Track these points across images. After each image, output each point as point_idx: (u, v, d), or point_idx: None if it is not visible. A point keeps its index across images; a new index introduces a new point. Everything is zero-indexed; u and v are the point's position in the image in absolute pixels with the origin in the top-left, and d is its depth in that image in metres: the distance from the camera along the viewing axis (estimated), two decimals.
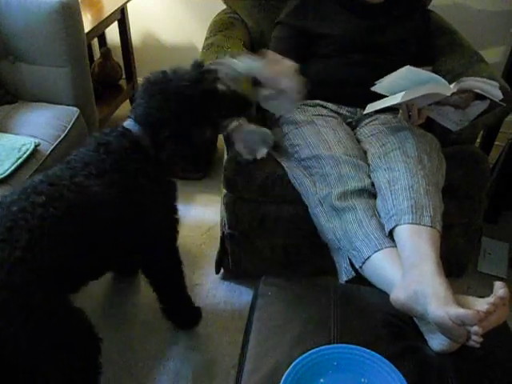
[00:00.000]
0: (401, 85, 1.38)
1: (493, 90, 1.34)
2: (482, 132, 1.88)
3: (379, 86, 1.42)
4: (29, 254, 0.98)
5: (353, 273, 1.25)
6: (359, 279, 1.25)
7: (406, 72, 1.35)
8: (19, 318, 0.96)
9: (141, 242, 1.32)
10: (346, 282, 1.28)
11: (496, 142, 2.16)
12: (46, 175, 1.15)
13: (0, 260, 0.96)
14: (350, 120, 1.59)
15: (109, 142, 1.22)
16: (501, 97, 1.35)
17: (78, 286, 1.20)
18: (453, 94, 1.34)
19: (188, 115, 1.22)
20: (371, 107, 1.47)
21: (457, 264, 1.69)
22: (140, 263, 1.49)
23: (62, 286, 1.07)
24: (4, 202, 1.06)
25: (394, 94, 1.40)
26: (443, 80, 1.35)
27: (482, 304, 0.97)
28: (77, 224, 1.08)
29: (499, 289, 0.98)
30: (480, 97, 1.37)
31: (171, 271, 1.47)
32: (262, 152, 1.42)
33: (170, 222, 1.38)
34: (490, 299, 0.97)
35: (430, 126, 1.51)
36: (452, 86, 1.34)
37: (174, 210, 1.38)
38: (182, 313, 1.59)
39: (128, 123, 1.27)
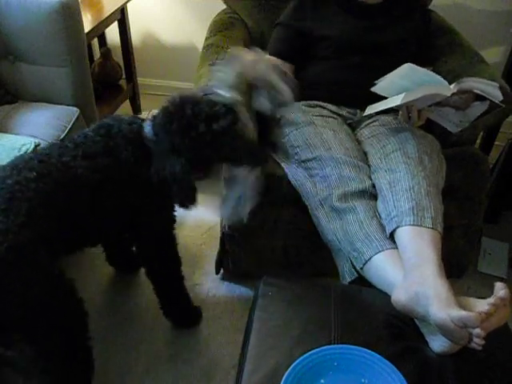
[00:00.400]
0: (400, 85, 1.38)
1: (493, 90, 1.34)
2: (482, 132, 1.88)
3: (379, 87, 1.42)
4: (30, 219, 1.06)
5: (355, 274, 1.25)
6: (360, 280, 1.25)
7: (407, 69, 1.35)
8: (29, 274, 1.04)
9: (128, 229, 1.35)
10: (348, 283, 1.28)
11: (496, 142, 2.16)
12: (36, 152, 1.20)
13: (6, 226, 1.02)
14: (350, 121, 1.59)
15: (112, 126, 1.25)
16: (501, 98, 1.35)
17: (72, 249, 1.26)
18: (453, 94, 1.34)
19: (197, 151, 1.20)
20: (371, 109, 1.47)
21: (457, 265, 1.69)
22: (140, 259, 1.50)
23: (57, 248, 1.15)
24: None
25: (394, 94, 1.40)
26: (443, 80, 1.35)
27: (482, 305, 0.97)
28: (62, 200, 1.14)
29: (500, 290, 0.97)
30: (480, 98, 1.37)
31: (169, 270, 1.48)
32: (250, 206, 1.29)
33: (162, 220, 1.38)
34: (491, 300, 0.96)
35: (430, 127, 1.51)
36: (452, 86, 1.34)
37: (167, 209, 1.38)
38: (182, 312, 1.59)
39: (146, 124, 1.27)
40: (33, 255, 1.05)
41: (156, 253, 1.43)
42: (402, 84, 1.37)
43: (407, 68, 1.35)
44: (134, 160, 1.22)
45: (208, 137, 1.17)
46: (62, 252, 1.20)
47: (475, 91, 1.35)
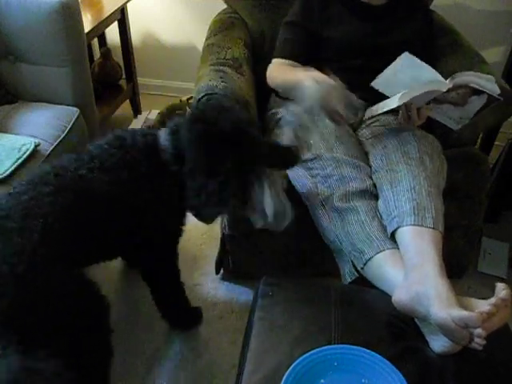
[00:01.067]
0: (399, 79, 1.38)
1: (489, 84, 1.34)
2: (481, 133, 1.88)
3: (378, 82, 1.41)
4: (46, 237, 1.05)
5: (356, 274, 1.25)
6: (361, 280, 1.25)
7: (404, 60, 1.35)
8: (47, 292, 1.04)
9: (137, 241, 1.32)
10: (349, 283, 1.28)
11: (496, 143, 2.16)
12: (52, 165, 1.18)
13: (21, 245, 1.02)
14: (351, 122, 1.59)
15: (125, 137, 1.23)
16: (498, 91, 1.34)
17: (88, 263, 1.25)
18: (449, 90, 1.33)
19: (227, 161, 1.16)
20: (370, 112, 1.46)
21: (457, 265, 1.69)
22: (139, 265, 1.48)
23: (74, 262, 1.13)
24: (13, 193, 1.11)
25: (392, 90, 1.39)
26: (439, 75, 1.35)
27: (484, 305, 0.97)
28: (79, 213, 1.13)
29: (501, 290, 0.97)
30: (477, 92, 1.37)
31: (166, 276, 1.46)
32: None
33: (172, 234, 1.37)
34: (492, 300, 0.96)
35: (430, 127, 1.51)
36: (447, 81, 1.34)
37: (179, 223, 1.36)
38: (181, 315, 1.58)
39: (160, 132, 1.25)
40: (50, 273, 1.04)
41: (159, 263, 1.41)
42: (401, 78, 1.37)
43: (404, 58, 1.35)
44: (150, 173, 1.20)
45: (248, 146, 1.15)
46: (80, 264, 1.19)
47: (471, 85, 1.34)
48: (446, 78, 1.37)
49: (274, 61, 1.64)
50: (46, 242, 1.04)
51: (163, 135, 1.24)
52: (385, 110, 1.40)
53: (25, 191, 1.10)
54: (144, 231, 1.28)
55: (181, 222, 1.36)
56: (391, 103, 1.37)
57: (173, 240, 1.40)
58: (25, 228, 1.04)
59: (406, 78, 1.37)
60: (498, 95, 1.34)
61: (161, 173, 1.22)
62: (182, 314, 1.58)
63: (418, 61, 1.35)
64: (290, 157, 1.29)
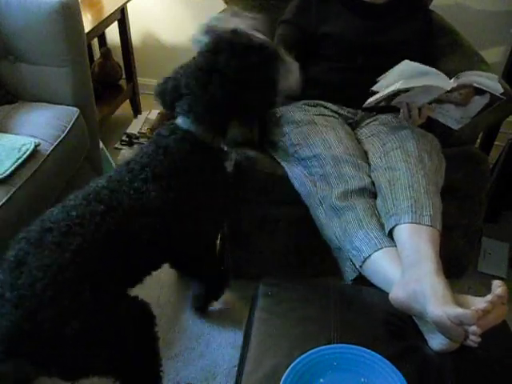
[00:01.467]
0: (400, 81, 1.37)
1: (492, 83, 1.33)
2: (481, 132, 1.88)
3: (379, 86, 1.41)
4: (77, 257, 1.02)
5: (356, 273, 1.25)
6: (362, 279, 1.25)
7: (404, 67, 1.35)
8: (65, 317, 1.00)
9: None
10: (350, 281, 1.28)
11: (496, 142, 2.16)
12: (108, 180, 1.16)
13: (49, 261, 1.00)
14: (350, 121, 1.59)
15: (168, 145, 1.20)
16: (501, 90, 1.33)
17: (133, 283, 1.22)
18: (452, 89, 1.33)
19: (255, 89, 1.16)
20: (372, 98, 1.44)
21: (457, 265, 1.69)
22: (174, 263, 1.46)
23: (111, 286, 1.09)
24: (66, 206, 1.10)
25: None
26: (442, 74, 1.34)
27: (480, 303, 0.97)
28: (130, 233, 1.10)
29: (497, 287, 0.97)
30: (479, 92, 1.36)
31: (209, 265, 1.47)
32: None
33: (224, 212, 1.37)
34: (488, 297, 0.96)
35: (430, 126, 1.51)
36: (451, 80, 1.34)
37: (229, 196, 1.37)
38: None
39: (183, 121, 1.22)
40: (74, 294, 1.01)
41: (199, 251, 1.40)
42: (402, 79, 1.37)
43: (404, 65, 1.34)
44: (202, 165, 1.19)
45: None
46: (128, 280, 1.18)
47: (474, 85, 1.34)
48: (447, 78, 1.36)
49: None
50: (76, 261, 1.02)
51: (185, 122, 1.20)
52: (386, 92, 1.36)
53: (76, 206, 1.08)
54: (197, 231, 1.27)
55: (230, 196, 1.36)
56: (393, 86, 1.34)
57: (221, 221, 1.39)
58: (61, 244, 1.02)
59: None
60: (501, 94, 1.34)
61: (209, 156, 1.20)
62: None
63: (421, 65, 1.35)
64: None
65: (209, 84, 1.15)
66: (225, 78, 1.15)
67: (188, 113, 1.20)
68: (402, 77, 1.36)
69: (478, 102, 1.38)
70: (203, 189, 1.22)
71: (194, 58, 1.22)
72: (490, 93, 1.34)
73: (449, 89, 1.32)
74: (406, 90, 1.34)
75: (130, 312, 1.12)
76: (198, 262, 1.43)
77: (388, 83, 1.39)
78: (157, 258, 1.25)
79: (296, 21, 1.66)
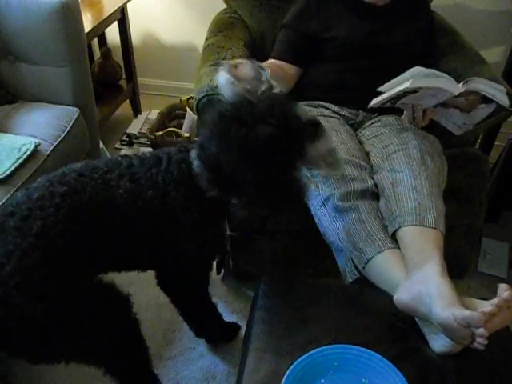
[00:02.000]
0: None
1: (499, 95, 1.33)
2: (482, 132, 1.88)
3: (386, 86, 1.40)
4: (40, 240, 1.00)
5: (357, 274, 1.25)
6: (362, 280, 1.24)
7: (415, 72, 1.34)
8: (31, 302, 0.98)
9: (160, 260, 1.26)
10: (350, 283, 1.28)
11: (496, 142, 2.16)
12: (84, 165, 1.12)
13: (12, 247, 0.98)
14: (352, 122, 1.59)
15: (161, 160, 1.14)
16: (507, 103, 1.33)
17: (97, 272, 1.18)
18: (460, 94, 1.33)
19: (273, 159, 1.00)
20: (379, 98, 1.41)
21: (458, 265, 1.68)
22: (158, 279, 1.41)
23: (78, 268, 1.07)
24: (30, 188, 1.08)
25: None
26: (452, 78, 1.34)
27: (486, 306, 0.97)
28: (89, 219, 1.08)
29: (504, 291, 0.97)
30: (486, 100, 1.36)
31: (194, 298, 1.40)
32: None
33: (203, 254, 1.27)
34: (495, 301, 0.96)
35: (430, 127, 1.51)
36: (460, 85, 1.33)
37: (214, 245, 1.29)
38: (216, 332, 1.53)
39: (194, 157, 1.10)
40: (40, 279, 0.99)
41: (188, 286, 1.34)
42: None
43: (415, 70, 1.33)
44: (182, 201, 1.11)
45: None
46: (84, 272, 1.13)
47: (482, 93, 1.34)
48: None
49: (268, 61, 1.66)
50: (40, 245, 1.00)
51: (195, 159, 1.09)
52: (394, 92, 1.35)
53: (40, 188, 1.06)
54: (165, 249, 1.21)
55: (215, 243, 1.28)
56: (402, 86, 1.32)
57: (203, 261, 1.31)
58: (22, 228, 1.00)
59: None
60: (510, 106, 1.33)
61: (195, 201, 1.11)
62: (215, 329, 1.53)
63: (431, 70, 1.34)
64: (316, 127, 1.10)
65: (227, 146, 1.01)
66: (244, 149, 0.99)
67: (197, 153, 1.10)
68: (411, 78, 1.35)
69: (483, 111, 1.38)
70: (171, 221, 1.14)
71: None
72: (496, 102, 1.33)
73: (457, 93, 1.31)
74: (414, 91, 1.33)
75: (95, 294, 1.10)
76: (184, 284, 1.35)
77: (397, 83, 1.38)
78: (126, 252, 1.19)
79: (298, 26, 1.65)
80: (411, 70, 1.35)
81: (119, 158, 1.16)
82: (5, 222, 1.02)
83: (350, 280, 1.27)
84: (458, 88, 1.32)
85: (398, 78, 1.37)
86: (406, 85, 1.30)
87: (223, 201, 1.14)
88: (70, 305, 1.04)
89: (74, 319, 1.05)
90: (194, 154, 1.10)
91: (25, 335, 1.01)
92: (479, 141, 2.11)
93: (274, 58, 1.66)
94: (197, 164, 1.09)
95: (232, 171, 1.01)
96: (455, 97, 1.34)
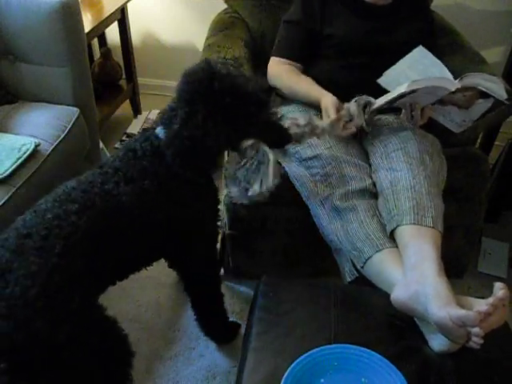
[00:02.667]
0: (407, 76, 1.37)
1: (497, 88, 1.33)
2: (481, 132, 1.88)
3: (385, 76, 1.41)
4: (64, 260, 0.99)
5: (356, 273, 1.25)
6: (362, 279, 1.25)
7: (418, 53, 1.36)
8: (56, 324, 0.97)
9: (172, 248, 1.28)
10: (349, 282, 1.28)
11: (496, 142, 2.16)
12: (78, 181, 1.14)
13: (36, 268, 0.96)
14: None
15: (135, 147, 1.18)
16: (505, 96, 1.33)
17: (107, 286, 1.19)
18: (457, 91, 1.33)
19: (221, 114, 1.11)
20: (380, 102, 1.43)
21: (457, 265, 1.69)
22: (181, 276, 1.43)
23: (93, 288, 1.09)
24: (39, 210, 1.07)
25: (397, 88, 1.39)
26: (449, 74, 1.34)
27: (481, 305, 0.97)
28: (107, 231, 1.08)
29: (499, 290, 0.98)
30: (484, 95, 1.36)
31: (207, 283, 1.41)
32: (255, 190, 1.14)
33: (206, 229, 1.31)
34: (490, 300, 0.96)
35: (430, 127, 1.51)
36: (456, 81, 1.33)
37: (211, 217, 1.31)
38: (220, 328, 1.54)
39: (158, 130, 1.19)
40: (63, 301, 0.98)
41: (201, 272, 1.37)
42: (409, 75, 1.36)
43: (418, 51, 1.34)
44: (163, 179, 1.15)
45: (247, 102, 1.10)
46: (105, 284, 1.16)
47: (479, 88, 1.33)
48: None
49: (273, 59, 1.66)
50: (63, 265, 0.99)
51: (160, 130, 1.17)
52: (392, 96, 1.36)
53: (50, 209, 1.05)
54: (174, 237, 1.23)
55: (210, 219, 1.31)
56: (398, 90, 1.34)
57: (209, 239, 1.33)
58: (44, 248, 0.98)
59: (414, 75, 1.36)
60: (506, 100, 1.33)
61: (171, 175, 1.15)
62: (221, 326, 1.54)
63: (431, 56, 1.34)
64: (283, 135, 1.23)
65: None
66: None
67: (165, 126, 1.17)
68: (410, 74, 1.36)
69: (481, 106, 1.38)
70: (168, 194, 1.17)
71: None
72: (493, 97, 1.33)
73: (453, 90, 1.31)
74: (412, 91, 1.33)
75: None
76: (197, 276, 1.38)
77: (395, 78, 1.39)
78: (143, 256, 1.23)
79: (303, 22, 1.64)
80: (415, 50, 1.38)
81: (103, 168, 1.16)
82: (23, 244, 0.99)
83: (349, 279, 1.27)
84: (455, 84, 1.32)
85: (399, 63, 1.39)
86: (403, 89, 1.31)
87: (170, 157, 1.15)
88: (89, 328, 1.03)
89: (91, 340, 1.04)
90: (159, 129, 1.17)
91: (49, 359, 0.98)
92: (479, 141, 2.11)
93: (280, 56, 1.65)
94: (162, 134, 1.15)
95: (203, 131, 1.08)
96: (452, 93, 1.34)
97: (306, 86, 1.57)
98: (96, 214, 1.07)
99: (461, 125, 1.44)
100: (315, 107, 1.59)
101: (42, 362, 0.97)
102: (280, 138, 1.24)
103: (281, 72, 1.64)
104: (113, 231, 1.09)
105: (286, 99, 1.65)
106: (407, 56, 1.38)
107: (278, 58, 1.66)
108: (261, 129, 1.17)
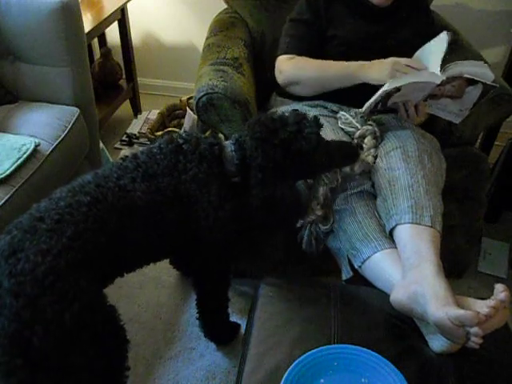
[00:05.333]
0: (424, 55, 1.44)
1: (482, 71, 1.33)
2: (482, 132, 1.88)
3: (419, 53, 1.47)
4: (74, 243, 1.04)
5: (351, 272, 1.25)
6: (362, 279, 1.25)
7: (442, 37, 1.41)
8: (64, 302, 0.99)
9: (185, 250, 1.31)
10: (346, 281, 1.28)
11: (496, 142, 2.16)
12: (95, 175, 1.17)
13: (48, 246, 1.01)
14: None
15: (184, 142, 1.22)
16: (492, 77, 1.33)
17: (115, 276, 1.23)
18: (444, 82, 1.32)
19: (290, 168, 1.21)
20: (368, 104, 1.44)
21: (457, 265, 1.69)
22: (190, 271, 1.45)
23: (101, 275, 1.12)
24: (53, 198, 1.11)
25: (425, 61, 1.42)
26: (437, 68, 1.34)
27: (481, 306, 0.97)
28: (117, 225, 1.12)
29: (500, 292, 0.97)
30: (472, 82, 1.35)
31: (219, 279, 1.42)
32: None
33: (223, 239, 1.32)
34: (491, 302, 0.96)
35: (431, 126, 1.51)
36: (440, 73, 1.33)
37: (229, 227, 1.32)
38: (221, 328, 1.55)
39: (226, 143, 1.26)
40: (72, 280, 1.01)
41: (214, 269, 1.37)
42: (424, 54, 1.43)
43: (442, 36, 1.40)
44: (205, 180, 1.19)
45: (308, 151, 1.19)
46: (108, 277, 1.18)
47: (465, 75, 1.33)
48: None
49: (284, 57, 1.60)
50: (73, 247, 1.03)
51: (229, 146, 1.24)
52: (376, 96, 1.36)
53: (63, 198, 1.10)
54: (188, 241, 1.26)
55: (233, 229, 1.33)
56: (382, 89, 1.34)
57: (223, 246, 1.35)
58: (55, 230, 1.03)
59: (426, 55, 1.42)
60: (493, 82, 1.33)
61: (219, 183, 1.21)
62: (221, 326, 1.54)
63: (444, 46, 1.37)
64: (351, 154, 1.30)
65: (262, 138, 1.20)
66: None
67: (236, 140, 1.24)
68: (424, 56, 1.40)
69: (473, 93, 1.37)
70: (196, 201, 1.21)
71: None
72: (481, 82, 1.33)
73: (438, 82, 1.31)
74: (397, 90, 1.33)
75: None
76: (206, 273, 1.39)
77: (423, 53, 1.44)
78: (150, 251, 1.25)
79: (312, 21, 1.62)
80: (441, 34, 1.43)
81: (123, 162, 1.20)
82: (36, 226, 1.04)
83: (344, 278, 1.27)
84: (439, 77, 1.31)
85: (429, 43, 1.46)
86: (385, 88, 1.32)
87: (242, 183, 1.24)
88: (94, 311, 1.05)
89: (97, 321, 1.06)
90: (229, 142, 1.26)
91: (46, 343, 0.98)
92: (479, 141, 2.11)
93: (293, 53, 1.60)
94: (230, 150, 1.23)
95: (260, 169, 1.19)
96: (441, 85, 1.34)
97: (339, 64, 1.51)
98: (106, 207, 1.10)
99: (459, 114, 1.43)
100: (316, 106, 1.59)
101: (47, 346, 0.98)
102: (347, 158, 1.30)
103: (302, 64, 1.57)
104: (121, 226, 1.12)
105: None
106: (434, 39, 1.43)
107: (289, 56, 1.60)
108: (327, 166, 1.28)
